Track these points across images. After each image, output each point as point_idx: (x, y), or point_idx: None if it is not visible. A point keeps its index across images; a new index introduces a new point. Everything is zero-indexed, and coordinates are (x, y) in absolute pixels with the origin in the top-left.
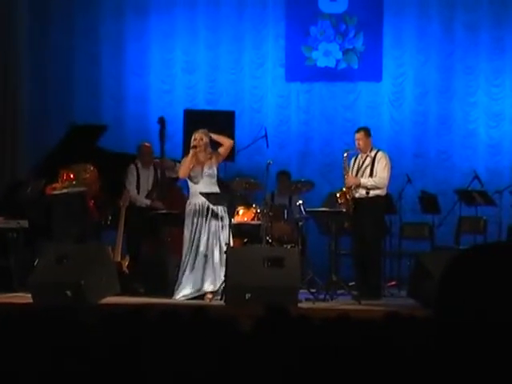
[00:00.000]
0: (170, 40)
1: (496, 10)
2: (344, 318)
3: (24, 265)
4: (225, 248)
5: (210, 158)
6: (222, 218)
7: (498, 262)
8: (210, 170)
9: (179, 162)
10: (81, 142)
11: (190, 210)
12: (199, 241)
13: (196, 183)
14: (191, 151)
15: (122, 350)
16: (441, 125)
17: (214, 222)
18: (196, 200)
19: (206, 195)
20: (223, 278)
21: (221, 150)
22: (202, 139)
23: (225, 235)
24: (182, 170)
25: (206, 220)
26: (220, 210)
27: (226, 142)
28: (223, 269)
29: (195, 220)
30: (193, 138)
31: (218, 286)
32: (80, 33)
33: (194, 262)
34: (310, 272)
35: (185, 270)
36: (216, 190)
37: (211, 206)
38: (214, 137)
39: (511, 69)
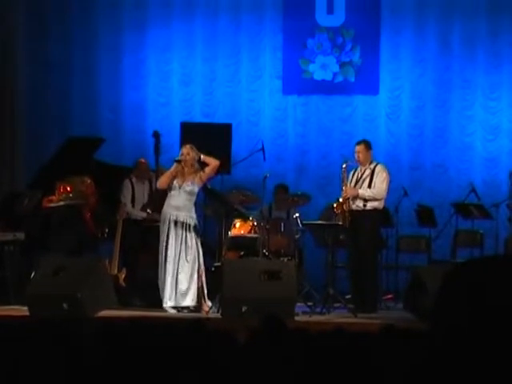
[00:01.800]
0: (166, 53)
1: (493, 25)
2: (340, 331)
3: (20, 277)
4: (194, 260)
5: (194, 175)
6: (192, 230)
7: (495, 275)
8: (190, 186)
9: None
10: (78, 154)
11: (162, 220)
12: (167, 251)
13: (171, 196)
14: (175, 164)
15: (118, 363)
16: (437, 138)
17: (183, 234)
18: (167, 211)
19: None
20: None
21: (206, 169)
22: (188, 154)
23: (194, 247)
24: (162, 180)
25: (176, 231)
26: (191, 221)
27: (211, 162)
28: (193, 280)
29: (166, 230)
30: (180, 152)
31: (192, 298)
32: (77, 45)
33: (165, 272)
34: (307, 285)
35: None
36: (190, 207)
37: (181, 219)
38: (203, 158)
39: (508, 83)
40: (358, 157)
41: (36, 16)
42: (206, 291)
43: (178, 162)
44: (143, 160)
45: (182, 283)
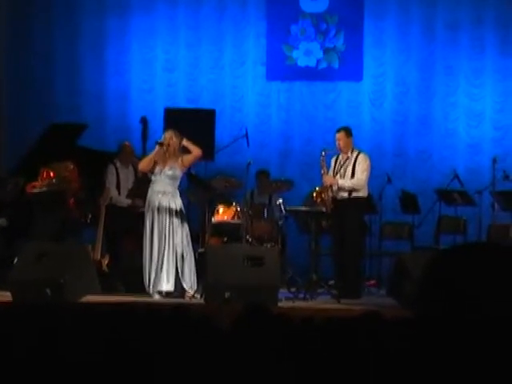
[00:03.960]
0: (150, 39)
1: (476, 11)
2: (324, 317)
3: (3, 263)
4: (180, 245)
5: (175, 159)
6: (177, 215)
7: (478, 261)
8: (171, 170)
9: None
10: (61, 140)
11: (147, 206)
12: (152, 236)
13: (154, 181)
14: (156, 147)
15: (102, 349)
16: (421, 124)
17: (168, 219)
18: (151, 196)
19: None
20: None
21: (189, 156)
22: (171, 138)
23: (179, 232)
24: (143, 163)
25: (160, 216)
26: (175, 206)
27: (194, 150)
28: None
29: (150, 216)
30: (163, 136)
31: (172, 283)
32: (60, 31)
33: (151, 257)
34: (290, 271)
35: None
36: (173, 191)
37: (165, 204)
38: (185, 143)
39: (491, 69)
40: (339, 144)
41: (19, 4)
42: (193, 276)
43: (160, 144)
44: (128, 143)
45: (166, 268)
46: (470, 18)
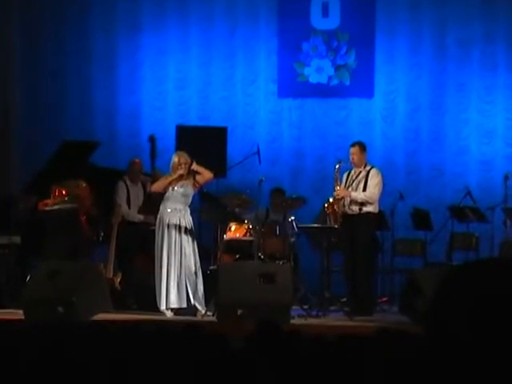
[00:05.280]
0: (162, 57)
1: (487, 28)
2: (336, 335)
3: (15, 281)
4: (192, 263)
5: (188, 178)
6: (187, 232)
7: (490, 278)
8: (183, 188)
9: None
10: (73, 158)
11: (158, 223)
12: (162, 254)
13: (166, 198)
14: (176, 176)
15: (114, 365)
16: (433, 141)
17: (179, 237)
18: (162, 214)
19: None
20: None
21: (200, 178)
22: (186, 163)
23: (191, 250)
24: (158, 186)
25: (171, 234)
26: (186, 224)
27: (205, 174)
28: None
29: (161, 233)
30: (177, 160)
31: (184, 300)
32: (72, 50)
33: (161, 275)
34: (303, 288)
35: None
36: (184, 209)
37: (176, 221)
38: (196, 168)
39: (503, 86)
40: (353, 158)
41: (31, 22)
42: (202, 294)
43: (182, 175)
44: (137, 160)
45: (178, 286)
46: (481, 35)
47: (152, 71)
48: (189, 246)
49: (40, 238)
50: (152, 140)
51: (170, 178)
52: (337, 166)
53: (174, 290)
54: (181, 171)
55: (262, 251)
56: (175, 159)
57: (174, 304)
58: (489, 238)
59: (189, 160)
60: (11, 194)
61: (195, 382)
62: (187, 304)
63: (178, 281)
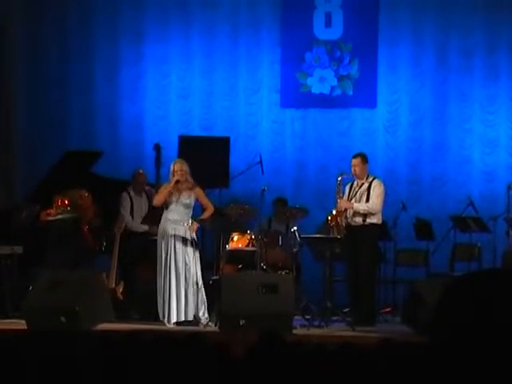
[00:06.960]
0: (164, 66)
1: (490, 37)
2: (338, 345)
3: (18, 291)
4: (195, 274)
5: (191, 189)
6: (190, 243)
7: (493, 288)
8: (188, 199)
9: None
10: (75, 168)
11: (160, 234)
12: (166, 265)
13: (170, 209)
14: (172, 183)
15: (116, 375)
16: (435, 151)
17: (181, 248)
18: (165, 225)
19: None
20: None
21: (202, 200)
22: (181, 170)
23: (193, 261)
24: (158, 198)
25: (174, 245)
26: (188, 235)
27: (208, 209)
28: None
29: (163, 244)
30: (172, 168)
31: (186, 311)
32: (75, 58)
33: (163, 285)
34: (305, 298)
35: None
36: (187, 220)
37: (179, 232)
38: (200, 198)
39: (506, 96)
40: (355, 170)
41: (33, 29)
42: (204, 305)
43: (177, 182)
44: (141, 171)
45: (180, 297)
46: (484, 45)
47: (155, 80)
48: (191, 256)
49: (42, 247)
50: (157, 148)
51: (168, 187)
52: (339, 179)
53: (174, 305)
54: (176, 177)
55: (264, 261)
56: (171, 167)
57: (174, 319)
58: (491, 248)
59: (184, 166)
60: (13, 204)
61: None
62: (188, 316)
63: (177, 293)
